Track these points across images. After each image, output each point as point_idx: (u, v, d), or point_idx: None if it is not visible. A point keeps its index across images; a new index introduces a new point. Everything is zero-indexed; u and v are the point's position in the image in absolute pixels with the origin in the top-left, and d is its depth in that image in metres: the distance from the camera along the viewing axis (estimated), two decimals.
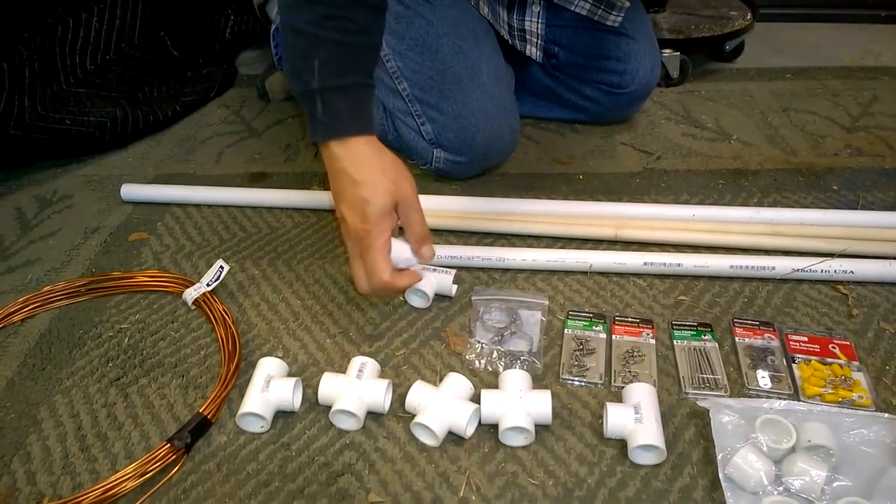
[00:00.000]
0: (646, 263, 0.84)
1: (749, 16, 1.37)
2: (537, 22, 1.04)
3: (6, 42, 1.01)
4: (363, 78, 0.69)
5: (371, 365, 0.70)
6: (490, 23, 1.03)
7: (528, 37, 1.05)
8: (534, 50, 1.06)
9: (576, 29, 1.07)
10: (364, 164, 0.67)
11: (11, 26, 1.02)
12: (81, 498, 0.59)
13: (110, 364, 0.74)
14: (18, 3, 1.03)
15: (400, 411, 0.68)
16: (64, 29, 1.10)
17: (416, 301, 0.81)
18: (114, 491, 0.60)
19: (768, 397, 0.68)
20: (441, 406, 0.65)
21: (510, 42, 1.06)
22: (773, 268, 0.82)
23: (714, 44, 1.35)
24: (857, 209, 0.95)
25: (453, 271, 0.81)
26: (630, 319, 0.78)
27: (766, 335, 0.75)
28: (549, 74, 1.13)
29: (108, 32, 1.16)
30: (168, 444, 0.63)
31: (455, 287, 0.81)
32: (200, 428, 0.65)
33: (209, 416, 0.66)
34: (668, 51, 1.26)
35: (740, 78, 1.34)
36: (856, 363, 0.71)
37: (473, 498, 0.60)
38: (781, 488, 0.58)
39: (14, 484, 0.62)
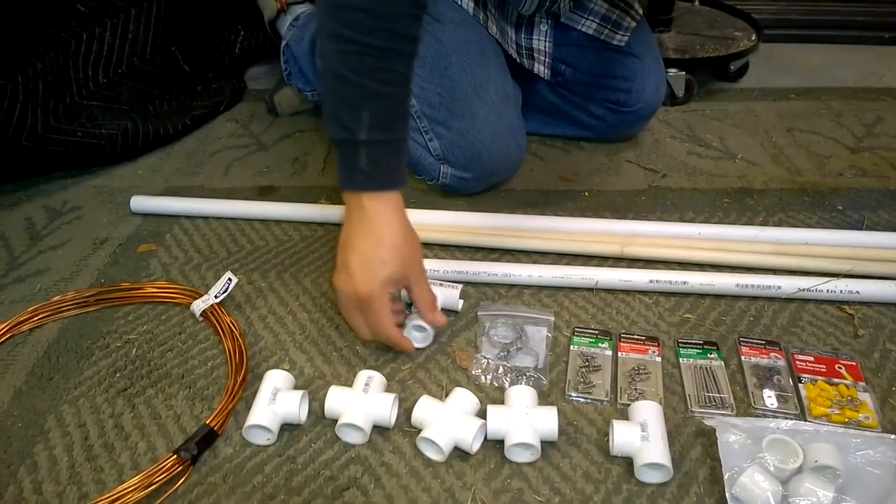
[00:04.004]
0: (651, 281, 0.84)
1: (754, 36, 1.39)
2: (545, 41, 1.05)
3: (21, 55, 1.03)
4: (404, 132, 0.71)
5: (377, 379, 0.70)
6: (498, 41, 1.04)
7: (535, 55, 1.06)
8: (541, 68, 1.07)
9: (583, 48, 1.08)
10: (391, 225, 0.70)
11: (26, 40, 1.04)
12: None
13: (118, 374, 0.75)
14: (33, 17, 1.04)
15: (406, 426, 0.68)
16: (77, 43, 1.12)
17: (417, 339, 0.77)
18: (120, 501, 0.60)
19: (775, 417, 0.68)
20: (447, 421, 0.65)
21: (518, 60, 1.07)
22: (780, 287, 0.82)
23: (719, 64, 1.36)
24: (862, 229, 0.95)
25: (459, 286, 0.82)
26: (636, 337, 0.78)
27: (772, 354, 0.75)
28: (555, 92, 1.14)
29: (121, 47, 1.17)
30: (174, 456, 0.63)
31: (461, 301, 0.82)
32: (207, 439, 0.65)
33: (216, 428, 0.66)
34: (673, 70, 1.27)
35: (745, 98, 1.35)
36: (862, 384, 0.71)
37: None
38: None
39: (20, 493, 0.63)
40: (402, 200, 0.71)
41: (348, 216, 0.71)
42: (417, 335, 0.77)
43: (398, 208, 0.71)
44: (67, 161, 1.10)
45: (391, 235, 0.69)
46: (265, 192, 1.08)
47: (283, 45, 1.22)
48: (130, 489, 0.61)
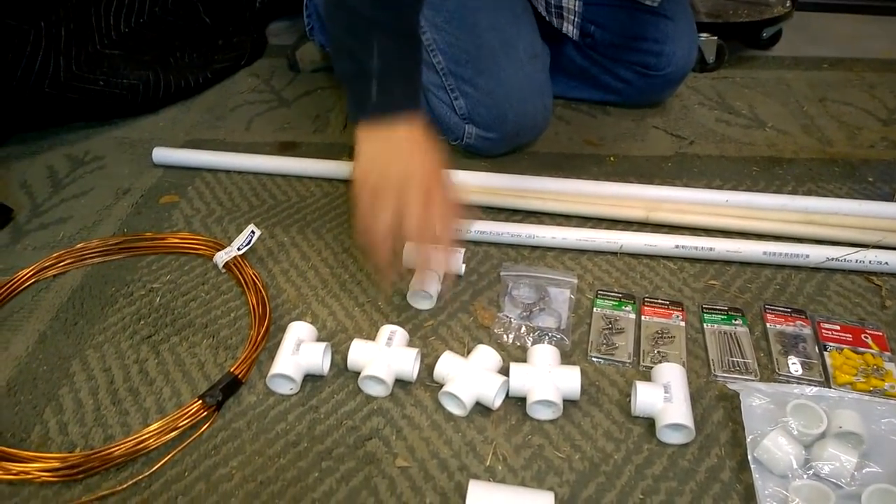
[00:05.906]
0: (677, 246, 0.83)
1: (788, 3, 1.35)
2: None
3: (44, 1, 1.01)
4: (416, 61, 0.70)
5: (400, 333, 0.70)
6: None
7: (565, 14, 1.04)
8: (570, 27, 1.05)
9: (613, 8, 1.05)
10: (424, 134, 0.68)
11: None
12: (113, 449, 0.60)
13: (142, 322, 0.75)
14: None
15: (428, 380, 0.68)
16: None
17: (420, 303, 0.77)
18: (145, 444, 0.61)
19: (799, 383, 0.67)
20: (470, 376, 0.65)
21: (547, 19, 1.04)
22: (807, 256, 0.81)
23: (752, 30, 1.32)
24: (892, 201, 0.93)
25: (462, 250, 0.81)
26: (660, 301, 0.77)
27: (798, 322, 0.74)
28: (583, 54, 1.12)
29: None
30: (199, 401, 0.64)
31: (464, 266, 0.80)
32: (231, 387, 0.65)
33: (240, 376, 0.66)
34: (704, 35, 1.24)
35: (776, 66, 1.32)
36: (888, 353, 0.71)
37: (500, 468, 0.61)
38: (811, 472, 0.58)
39: (46, 434, 0.64)
40: (423, 123, 0.69)
41: (370, 139, 0.68)
42: (420, 300, 0.77)
43: (423, 125, 0.69)
44: (89, 110, 1.10)
45: (429, 140, 0.68)
46: (286, 148, 1.07)
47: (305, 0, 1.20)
48: (155, 432, 0.61)
